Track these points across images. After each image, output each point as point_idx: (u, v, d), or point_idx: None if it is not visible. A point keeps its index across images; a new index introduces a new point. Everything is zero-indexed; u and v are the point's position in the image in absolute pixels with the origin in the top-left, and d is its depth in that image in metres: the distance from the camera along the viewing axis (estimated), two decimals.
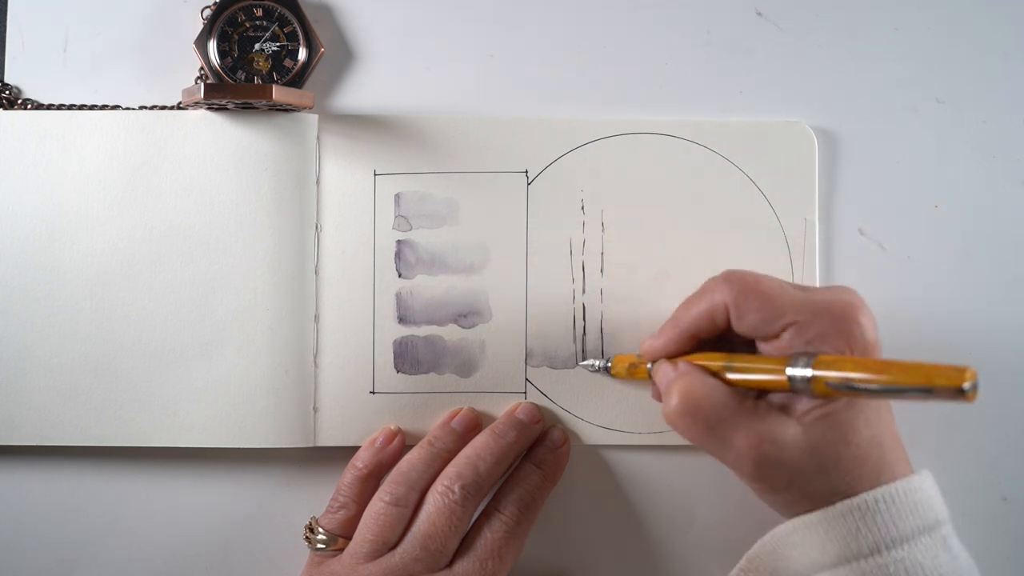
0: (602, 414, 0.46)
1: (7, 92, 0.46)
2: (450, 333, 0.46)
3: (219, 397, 0.45)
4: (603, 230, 0.46)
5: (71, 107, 0.46)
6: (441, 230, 0.46)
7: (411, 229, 0.46)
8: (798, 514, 0.38)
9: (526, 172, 0.46)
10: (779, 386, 0.36)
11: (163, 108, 0.46)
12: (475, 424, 0.45)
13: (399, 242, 0.46)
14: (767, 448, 0.36)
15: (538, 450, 0.45)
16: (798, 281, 0.46)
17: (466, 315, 0.46)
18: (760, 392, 0.38)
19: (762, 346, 0.38)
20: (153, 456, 0.46)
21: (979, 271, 0.47)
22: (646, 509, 0.46)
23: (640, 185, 0.46)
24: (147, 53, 0.47)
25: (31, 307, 0.45)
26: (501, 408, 0.46)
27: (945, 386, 0.31)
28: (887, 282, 0.47)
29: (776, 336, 0.37)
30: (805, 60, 0.47)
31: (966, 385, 0.30)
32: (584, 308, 0.46)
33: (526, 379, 0.46)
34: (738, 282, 0.38)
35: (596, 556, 0.46)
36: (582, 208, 0.46)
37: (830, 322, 0.36)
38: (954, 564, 0.37)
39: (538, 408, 0.45)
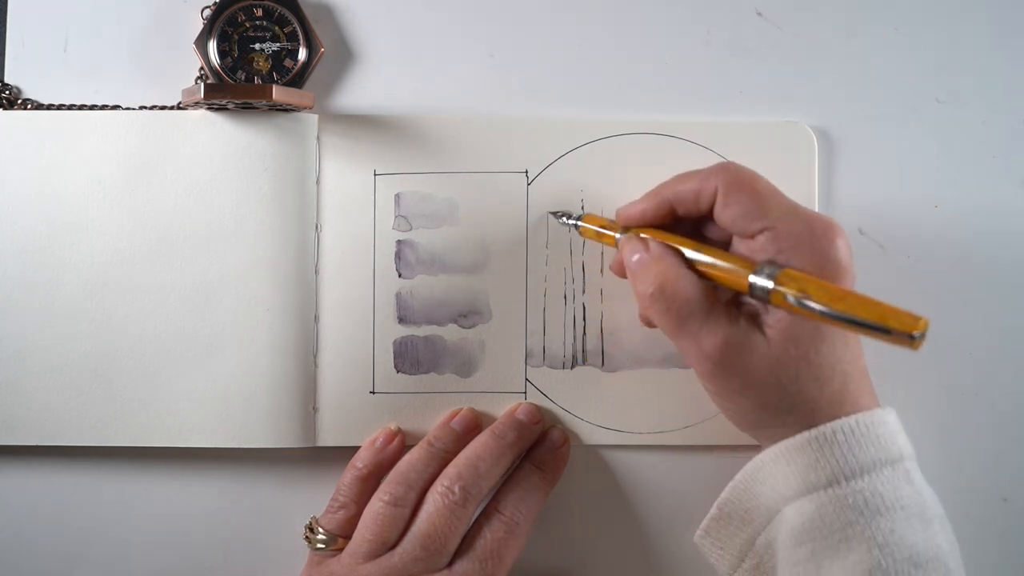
0: (602, 414, 0.46)
1: (7, 92, 0.46)
2: (450, 333, 0.46)
3: (219, 397, 0.45)
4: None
5: (71, 107, 0.46)
6: (441, 230, 0.46)
7: (411, 229, 0.46)
8: (750, 427, 0.39)
9: (526, 172, 0.46)
10: (739, 287, 0.36)
11: (163, 108, 0.46)
12: (475, 424, 0.45)
13: (399, 242, 0.46)
14: (730, 351, 0.37)
15: (538, 450, 0.45)
16: None
17: (466, 315, 0.46)
18: (733, 297, 0.39)
19: (736, 244, 0.39)
20: (153, 456, 0.46)
21: (979, 271, 0.47)
22: (646, 509, 0.46)
23: (640, 185, 0.46)
24: (147, 53, 0.47)
25: (31, 307, 0.45)
26: (501, 408, 0.46)
27: (897, 328, 0.31)
28: (887, 282, 0.47)
29: (752, 236, 0.37)
30: (805, 60, 0.47)
31: (916, 333, 0.31)
32: (584, 308, 0.46)
33: (526, 379, 0.46)
34: (735, 171, 0.38)
35: (596, 556, 0.46)
36: (582, 208, 0.46)
37: (808, 236, 0.36)
38: (917, 497, 0.37)
39: (538, 408, 0.45)
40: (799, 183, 0.46)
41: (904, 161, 0.47)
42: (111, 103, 0.46)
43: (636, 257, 0.39)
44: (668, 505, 0.46)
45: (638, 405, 0.46)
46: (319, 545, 0.42)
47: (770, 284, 0.35)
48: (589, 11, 0.47)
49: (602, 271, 0.46)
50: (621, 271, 0.41)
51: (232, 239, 0.45)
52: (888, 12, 0.47)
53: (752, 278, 0.35)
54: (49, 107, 0.46)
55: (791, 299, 0.34)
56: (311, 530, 0.43)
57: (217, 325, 0.45)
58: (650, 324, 0.42)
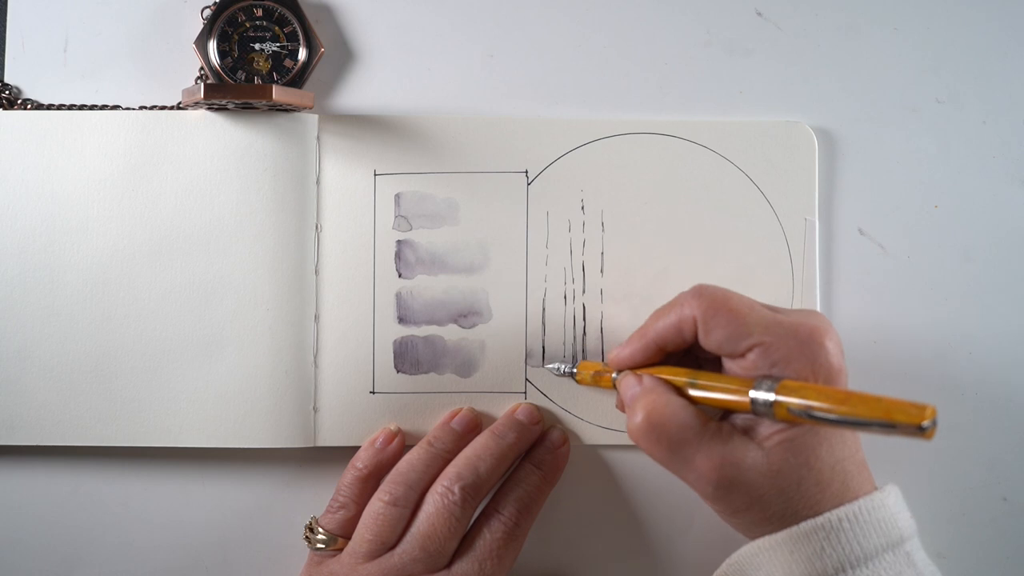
0: (602, 414, 0.46)
1: (7, 92, 0.46)
2: (450, 333, 0.46)
3: (219, 397, 0.45)
4: (603, 230, 0.46)
5: (71, 107, 0.46)
6: (441, 230, 0.46)
7: (411, 229, 0.46)
8: (759, 535, 0.38)
9: (526, 172, 0.46)
10: (741, 407, 0.36)
11: (163, 108, 0.46)
12: (475, 424, 0.45)
13: (399, 242, 0.46)
14: (728, 471, 0.36)
15: (538, 451, 0.45)
16: (797, 282, 0.46)
17: (466, 315, 0.46)
18: (724, 413, 0.38)
19: (728, 364, 0.38)
20: (153, 456, 0.46)
21: (979, 271, 0.47)
22: (646, 509, 0.46)
23: (640, 185, 0.46)
24: (147, 53, 0.47)
25: (31, 307, 0.45)
26: (501, 408, 0.46)
27: (904, 423, 0.31)
28: (887, 282, 0.47)
29: (742, 355, 0.37)
30: (805, 60, 0.47)
31: (925, 423, 0.30)
32: (584, 308, 0.46)
33: (526, 379, 0.46)
34: (708, 297, 0.38)
35: (596, 556, 0.46)
36: (582, 208, 0.46)
37: (796, 345, 0.36)
38: None
39: (538, 409, 0.45)
40: (799, 183, 0.46)
41: (904, 161, 0.47)
42: (111, 103, 0.46)
43: (630, 393, 0.39)
44: (668, 505, 0.46)
45: None
46: (319, 545, 0.42)
47: (772, 396, 0.35)
48: (589, 11, 0.47)
49: (602, 271, 0.46)
50: (624, 409, 0.41)
51: (232, 239, 0.45)
52: (888, 12, 0.47)
53: (753, 394, 0.35)
54: (49, 107, 0.46)
55: (794, 410, 0.34)
56: (311, 530, 0.43)
57: (217, 325, 0.45)
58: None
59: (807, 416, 0.34)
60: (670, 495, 0.46)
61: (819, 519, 0.36)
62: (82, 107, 0.46)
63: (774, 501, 0.36)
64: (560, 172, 0.46)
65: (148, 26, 0.47)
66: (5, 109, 0.46)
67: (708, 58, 0.47)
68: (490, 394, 0.46)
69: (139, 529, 0.46)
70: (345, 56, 0.47)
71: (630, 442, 0.46)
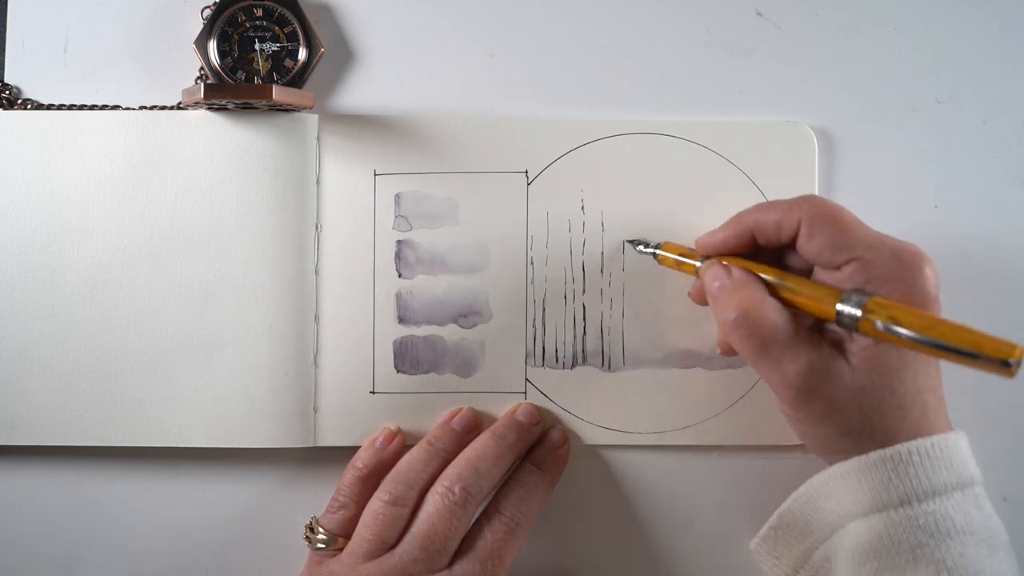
0: (602, 414, 0.46)
1: (7, 92, 0.46)
2: (450, 333, 0.46)
3: (219, 397, 0.45)
4: (603, 230, 0.46)
5: (71, 107, 0.46)
6: (441, 230, 0.46)
7: (411, 229, 0.46)
8: (828, 453, 0.38)
9: (526, 172, 0.46)
10: (825, 315, 0.36)
11: (163, 108, 0.46)
12: (475, 424, 0.45)
13: (399, 242, 0.46)
14: (814, 378, 0.37)
15: (538, 451, 0.45)
16: None
17: (466, 315, 0.46)
18: (814, 322, 0.38)
19: (819, 273, 0.39)
20: (153, 456, 0.46)
21: (979, 271, 0.47)
22: (646, 509, 0.46)
23: (640, 185, 0.46)
24: (147, 53, 0.47)
25: (31, 307, 0.45)
26: (501, 408, 0.46)
27: (991, 356, 0.31)
28: None
29: (837, 267, 0.37)
30: (805, 60, 0.47)
31: (1012, 360, 0.30)
32: (584, 308, 0.46)
33: (526, 379, 0.46)
34: (818, 203, 0.38)
35: (596, 556, 0.46)
36: (582, 208, 0.46)
37: (896, 266, 0.36)
38: (986, 522, 0.37)
39: (538, 409, 0.45)
40: (799, 183, 0.46)
41: (904, 161, 0.47)
42: (111, 103, 0.46)
43: (718, 284, 0.39)
44: (668, 505, 0.46)
45: (638, 405, 0.46)
46: (319, 545, 0.42)
47: (859, 312, 0.35)
48: (589, 11, 0.47)
49: (602, 271, 0.46)
50: (701, 298, 0.41)
51: (232, 239, 0.45)
52: (888, 12, 0.47)
53: (840, 306, 0.35)
54: (49, 107, 0.46)
55: (880, 326, 0.34)
56: (311, 530, 0.43)
57: (217, 325, 0.45)
58: (729, 352, 0.42)
59: (892, 333, 0.33)
60: (670, 495, 0.46)
61: (889, 450, 0.36)
62: (82, 107, 0.46)
63: (853, 417, 0.37)
64: (560, 172, 0.46)
65: (148, 26, 0.47)
66: (5, 109, 0.46)
67: (708, 58, 0.47)
68: (490, 394, 0.46)
69: (139, 529, 0.46)
70: (345, 56, 0.47)
71: (630, 442, 0.46)
